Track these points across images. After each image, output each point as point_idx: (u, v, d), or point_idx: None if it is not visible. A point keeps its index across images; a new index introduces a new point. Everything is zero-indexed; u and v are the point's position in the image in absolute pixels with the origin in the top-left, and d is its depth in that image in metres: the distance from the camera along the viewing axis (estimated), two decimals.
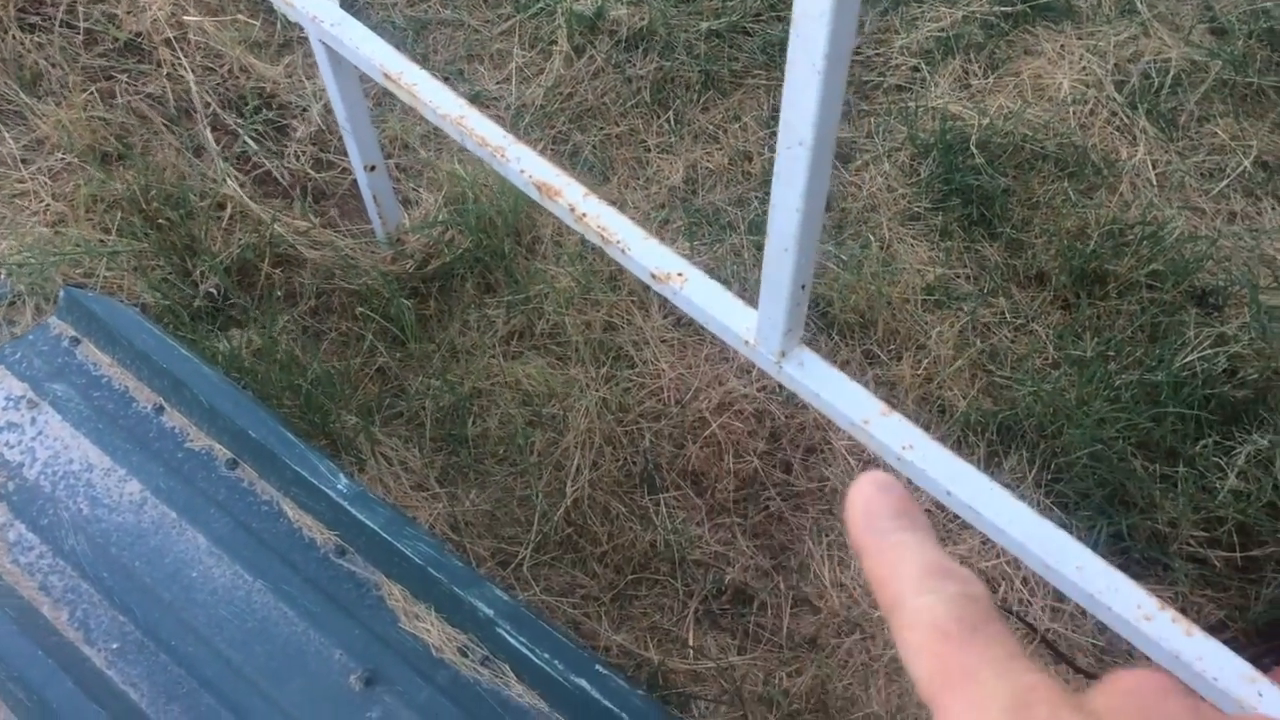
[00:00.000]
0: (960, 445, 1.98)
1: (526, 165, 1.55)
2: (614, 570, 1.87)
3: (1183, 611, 1.83)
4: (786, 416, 2.02)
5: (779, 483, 1.96)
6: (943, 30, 2.60)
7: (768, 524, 1.93)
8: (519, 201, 2.20)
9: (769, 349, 1.39)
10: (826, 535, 1.91)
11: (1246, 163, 2.36)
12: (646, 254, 1.47)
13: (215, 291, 2.07)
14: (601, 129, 2.49)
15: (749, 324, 1.40)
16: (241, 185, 2.20)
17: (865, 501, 0.39)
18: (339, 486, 1.48)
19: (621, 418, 2.01)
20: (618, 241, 1.48)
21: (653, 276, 1.46)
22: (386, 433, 1.96)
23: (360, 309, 2.08)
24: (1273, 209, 2.31)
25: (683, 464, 1.98)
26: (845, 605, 1.84)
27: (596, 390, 2.02)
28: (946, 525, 1.89)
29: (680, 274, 1.46)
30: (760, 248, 2.22)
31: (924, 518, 0.39)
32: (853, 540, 0.39)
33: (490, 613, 1.43)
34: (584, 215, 1.51)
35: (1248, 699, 1.14)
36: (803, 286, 1.29)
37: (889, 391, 2.05)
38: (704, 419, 2.01)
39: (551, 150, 2.46)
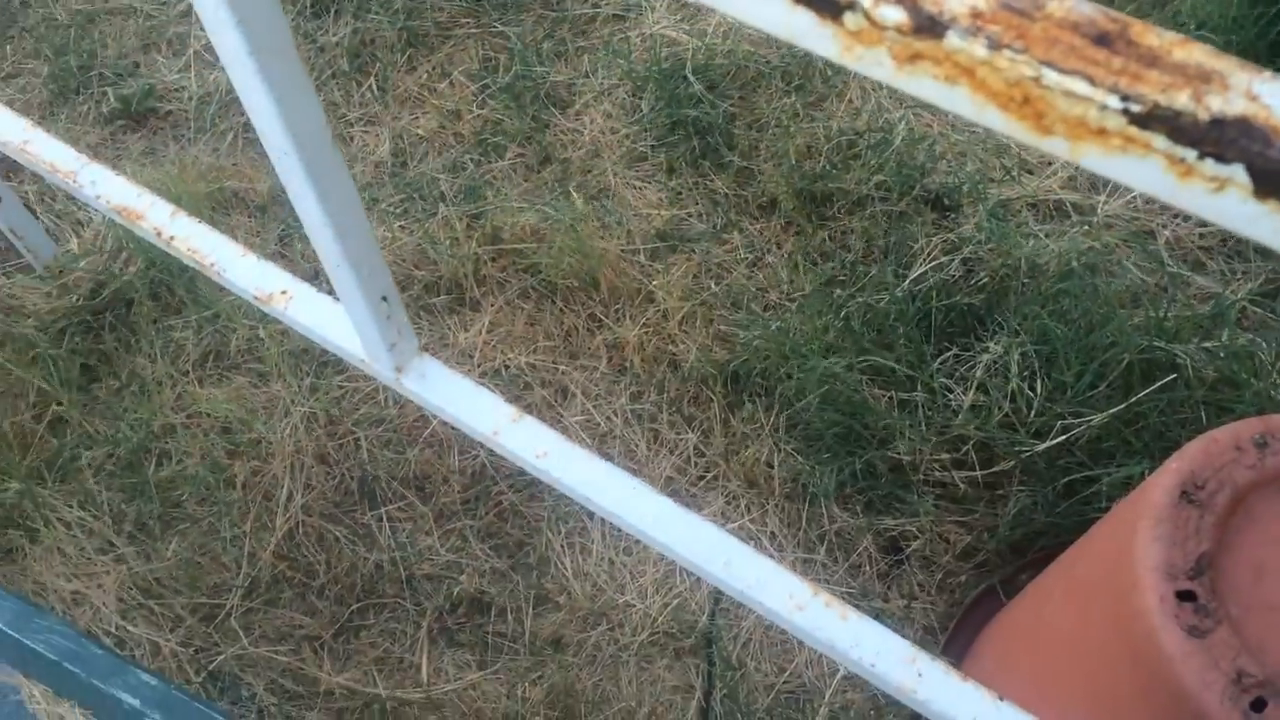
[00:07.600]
0: (696, 401, 1.86)
1: (103, 189, 1.35)
2: (336, 602, 1.71)
3: (941, 539, 1.75)
4: (513, 397, 1.87)
5: (510, 473, 1.82)
6: None
7: (500, 521, 1.79)
8: (194, 205, 1.98)
9: (384, 367, 1.22)
10: (564, 523, 1.78)
11: None
12: (245, 274, 1.30)
13: None
14: None
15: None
16: None
17: None
18: None
19: (333, 430, 1.84)
20: (212, 264, 1.30)
21: (256, 298, 1.28)
22: (65, 492, 1.76)
23: (30, 354, 1.86)
24: None
25: (405, 471, 1.82)
26: (589, 596, 1.71)
27: (302, 405, 1.84)
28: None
29: (284, 292, 1.28)
30: (475, 217, 2.05)
31: None
32: None
33: (136, 703, 1.28)
34: (172, 238, 1.32)
35: (906, 682, 1.04)
36: (384, 298, 1.12)
37: (619, 354, 1.92)
38: (424, 416, 1.85)
39: (244, 139, 2.23)
